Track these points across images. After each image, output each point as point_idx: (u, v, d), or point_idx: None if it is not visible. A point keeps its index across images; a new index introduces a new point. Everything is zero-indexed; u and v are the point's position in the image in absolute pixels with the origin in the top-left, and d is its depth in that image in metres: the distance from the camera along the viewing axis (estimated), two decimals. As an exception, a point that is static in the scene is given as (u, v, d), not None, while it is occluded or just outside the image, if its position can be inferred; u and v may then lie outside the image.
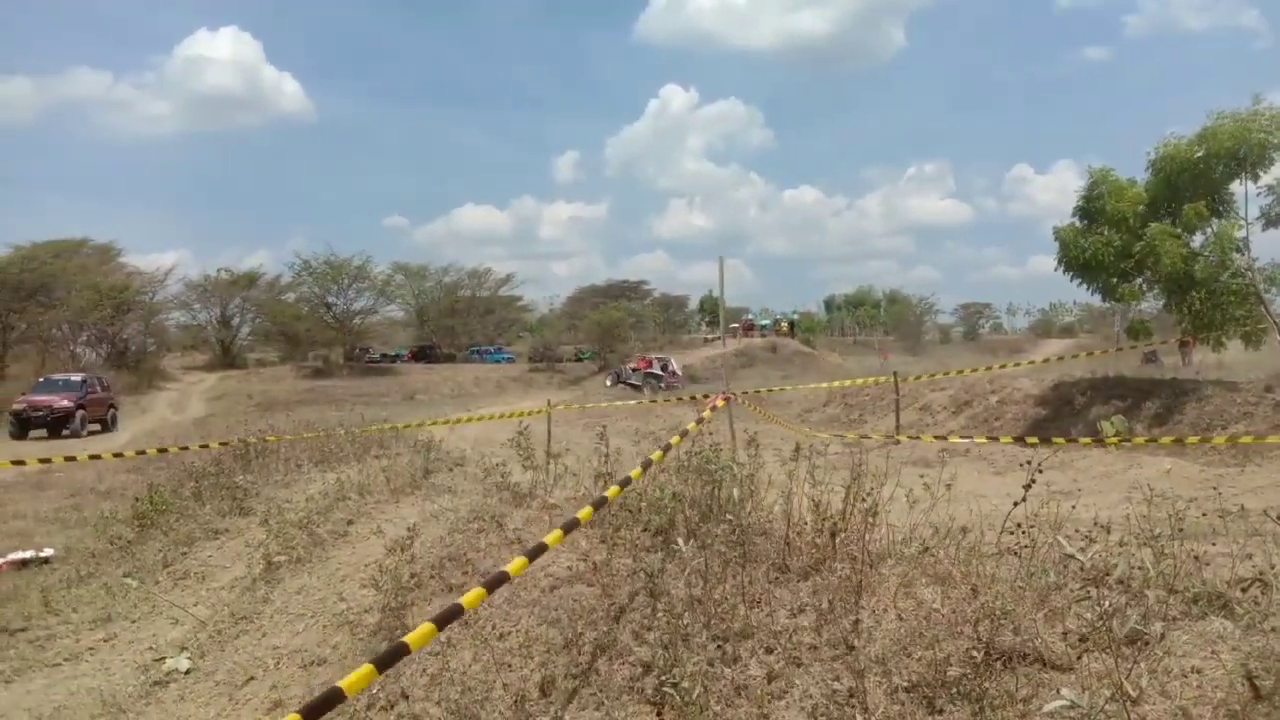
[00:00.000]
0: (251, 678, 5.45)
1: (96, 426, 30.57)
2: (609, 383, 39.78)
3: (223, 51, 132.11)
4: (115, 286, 48.85)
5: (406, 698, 4.22)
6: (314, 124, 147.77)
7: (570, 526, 3.86)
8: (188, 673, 5.93)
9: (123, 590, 7.94)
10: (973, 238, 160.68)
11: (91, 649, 7.02)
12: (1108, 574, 3.10)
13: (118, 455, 14.28)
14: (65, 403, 28.92)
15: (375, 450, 10.32)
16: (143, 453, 14.43)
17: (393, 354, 64.36)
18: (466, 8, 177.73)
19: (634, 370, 41.12)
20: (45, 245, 49.38)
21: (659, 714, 3.63)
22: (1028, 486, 4.58)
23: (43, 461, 12.25)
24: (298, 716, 2.21)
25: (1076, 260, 17.80)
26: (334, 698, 2.29)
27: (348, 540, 6.83)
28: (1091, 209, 18.05)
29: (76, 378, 31.73)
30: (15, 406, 28.77)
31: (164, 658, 6.24)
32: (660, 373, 40.13)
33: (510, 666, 4.23)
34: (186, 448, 13.32)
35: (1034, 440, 13.72)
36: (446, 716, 4.00)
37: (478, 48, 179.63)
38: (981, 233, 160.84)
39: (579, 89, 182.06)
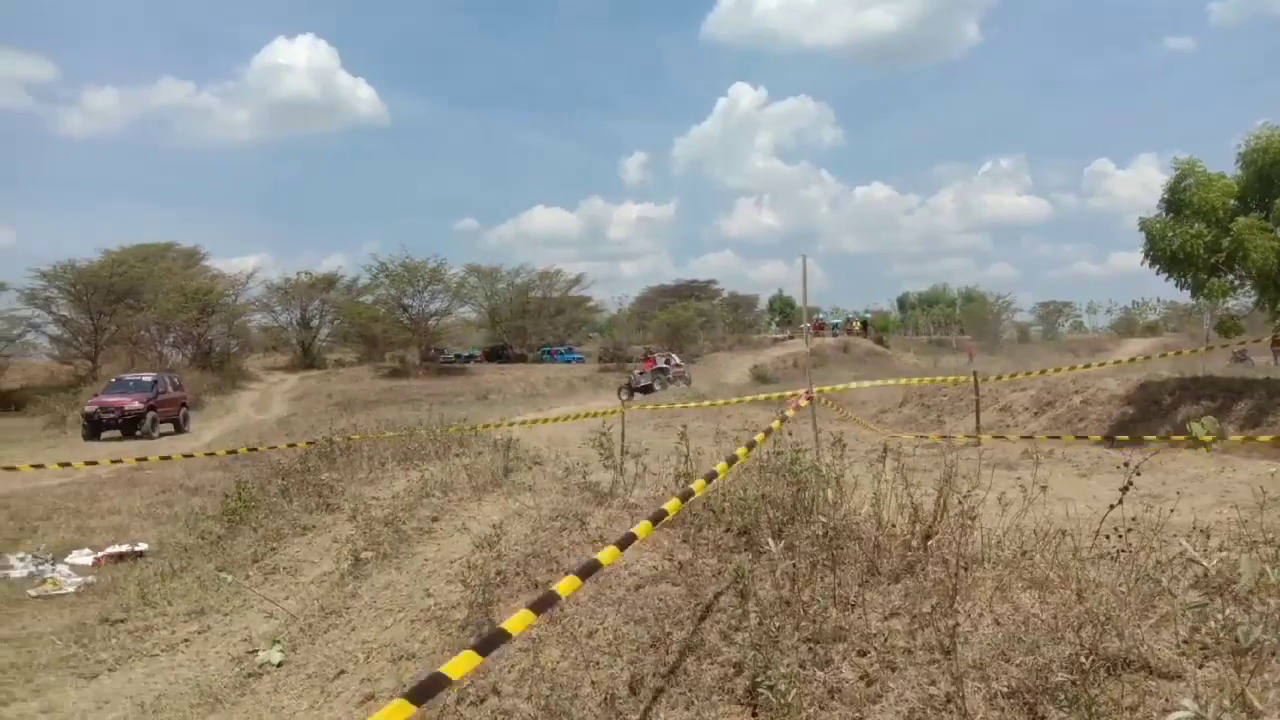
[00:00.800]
0: (342, 671, 5.57)
1: (169, 427, 30.20)
2: (624, 397, 34.56)
3: (299, 59, 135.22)
4: (200, 289, 50.33)
5: (497, 693, 4.27)
6: (387, 129, 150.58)
7: (658, 518, 3.85)
8: (280, 665, 6.08)
9: (215, 584, 8.16)
10: (1051, 234, 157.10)
11: (187, 640, 7.24)
12: (1233, 582, 2.99)
13: (210, 454, 14.72)
14: (136, 404, 28.51)
15: (455, 449, 10.45)
16: (233, 452, 14.87)
17: (466, 354, 65.21)
18: (537, 11, 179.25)
19: (642, 374, 40.92)
20: (134, 249, 51.20)
21: (753, 714, 3.61)
22: (1124, 489, 4.46)
23: (139, 460, 12.72)
24: (404, 701, 2.25)
25: (1164, 253, 17.24)
26: (438, 682, 2.32)
27: (433, 537, 6.92)
28: (1178, 201, 17.48)
29: (148, 378, 31.22)
30: (87, 408, 28.72)
31: (257, 650, 6.40)
32: (666, 365, 41.05)
33: (598, 664, 4.25)
34: (275, 446, 13.67)
35: (1124, 438, 13.35)
36: (537, 712, 4.04)
37: (547, 51, 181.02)
38: (1060, 229, 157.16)
39: (647, 90, 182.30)
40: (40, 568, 10.07)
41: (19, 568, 10.06)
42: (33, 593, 9.06)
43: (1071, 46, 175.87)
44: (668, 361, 41.86)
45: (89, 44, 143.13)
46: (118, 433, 28.01)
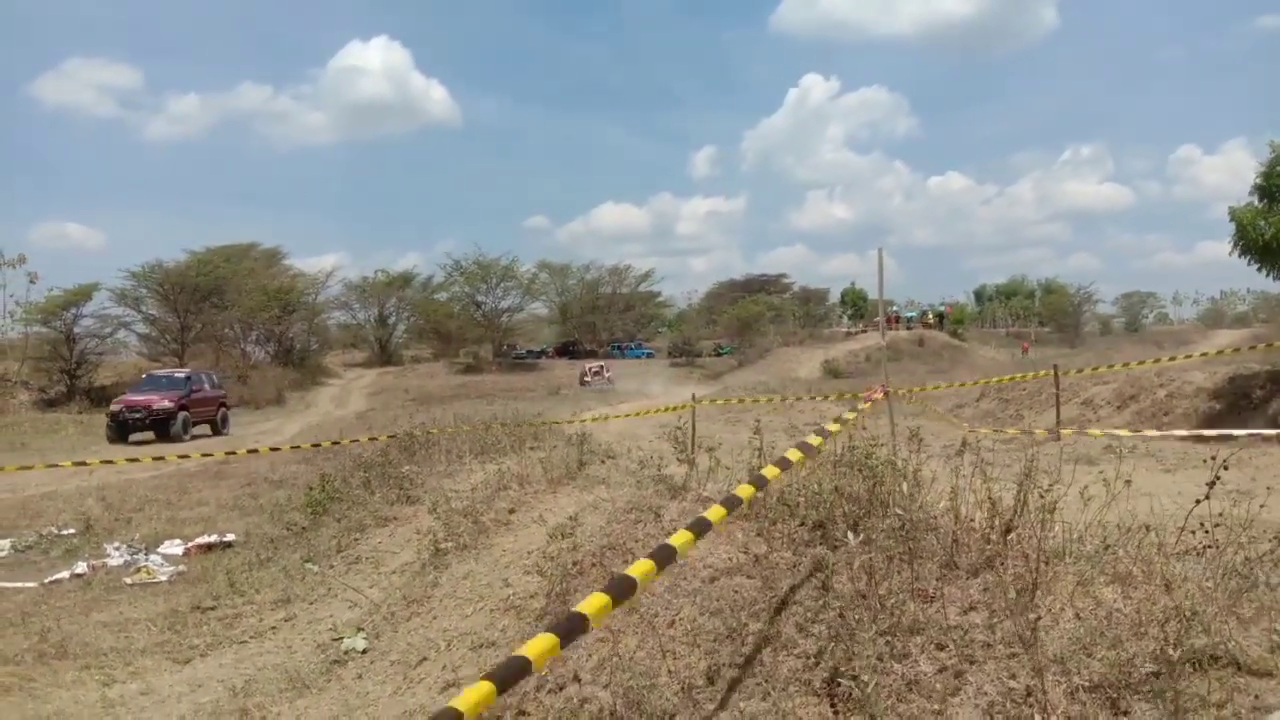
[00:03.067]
0: (424, 658, 5.70)
1: (206, 429, 28.20)
2: (579, 384, 51.53)
3: (374, 61, 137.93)
4: (281, 288, 51.86)
5: (577, 680, 4.34)
6: (459, 129, 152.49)
7: (732, 504, 3.86)
8: (364, 652, 6.24)
9: (300, 573, 8.41)
10: (1134, 223, 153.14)
11: (274, 628, 7.46)
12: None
13: (294, 448, 15.15)
14: (166, 403, 26.16)
15: (530, 443, 10.61)
16: (316, 445, 15.29)
17: (538, 350, 65.92)
18: (604, 10, 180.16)
19: (583, 374, 53.56)
20: (218, 250, 52.84)
21: (831, 706, 3.63)
22: (1211, 484, 4.36)
23: (228, 454, 13.17)
24: (489, 683, 2.31)
25: (1255, 243, 16.68)
26: (522, 666, 2.38)
27: (510, 528, 7.05)
28: (1272, 188, 16.88)
29: (181, 374, 29.12)
30: (112, 408, 26.61)
31: (341, 638, 6.57)
32: (591, 378, 52.14)
33: (676, 654, 4.29)
34: (356, 440, 14.02)
35: (1209, 434, 12.94)
36: (615, 700, 4.10)
37: (615, 49, 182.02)
38: (1144, 218, 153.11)
39: (716, 84, 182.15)
40: (135, 557, 10.46)
41: (115, 556, 10.47)
42: (129, 581, 9.42)
43: (1155, 28, 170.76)
44: (598, 372, 53.46)
45: (171, 52, 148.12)
46: (151, 434, 26.11)
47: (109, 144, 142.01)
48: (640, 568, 3.04)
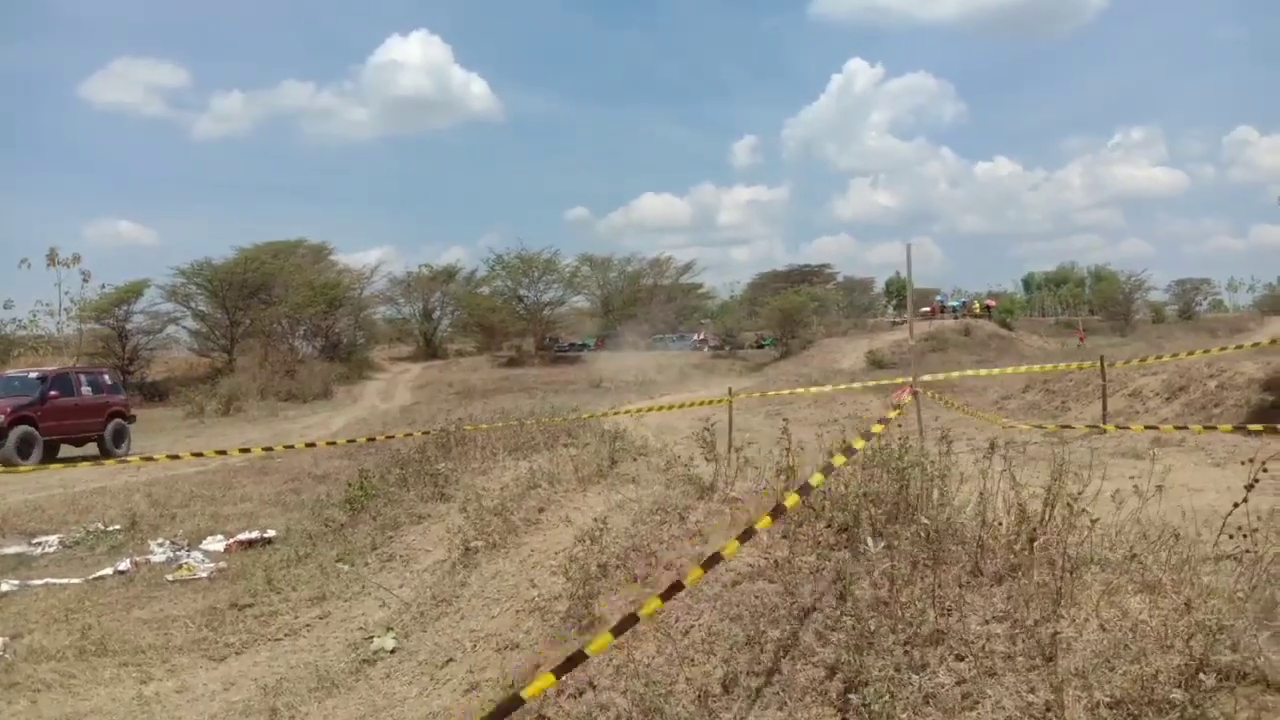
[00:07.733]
0: (450, 659, 5.73)
1: (93, 448, 21.30)
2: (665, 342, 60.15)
3: (414, 56, 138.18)
4: (328, 284, 52.48)
5: (594, 687, 4.32)
6: (500, 122, 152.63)
7: (777, 512, 3.79)
8: (393, 652, 6.30)
9: (335, 571, 8.50)
10: (1187, 208, 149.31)
11: (308, 626, 7.54)
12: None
13: (330, 443, 15.31)
14: None
15: (564, 439, 10.60)
16: (352, 441, 15.44)
17: (580, 343, 66.11)
18: (643, 0, 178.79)
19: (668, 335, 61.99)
20: (265, 246, 53.64)
21: (846, 719, 3.57)
22: (1249, 486, 4.22)
23: (266, 450, 13.36)
24: (551, 676, 2.29)
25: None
26: (577, 658, 2.36)
27: (539, 528, 7.05)
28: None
29: (33, 374, 21.35)
30: None
31: (372, 637, 6.63)
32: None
33: (693, 661, 4.26)
34: (392, 436, 14.11)
35: (1256, 427, 12.58)
36: (632, 708, 4.07)
37: (654, 39, 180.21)
38: (1197, 202, 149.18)
39: (756, 73, 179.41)
40: (177, 553, 10.62)
41: (158, 553, 10.63)
42: (170, 577, 9.57)
43: (1209, 6, 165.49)
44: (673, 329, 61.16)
45: (215, 51, 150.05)
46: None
47: (157, 142, 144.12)
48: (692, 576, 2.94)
